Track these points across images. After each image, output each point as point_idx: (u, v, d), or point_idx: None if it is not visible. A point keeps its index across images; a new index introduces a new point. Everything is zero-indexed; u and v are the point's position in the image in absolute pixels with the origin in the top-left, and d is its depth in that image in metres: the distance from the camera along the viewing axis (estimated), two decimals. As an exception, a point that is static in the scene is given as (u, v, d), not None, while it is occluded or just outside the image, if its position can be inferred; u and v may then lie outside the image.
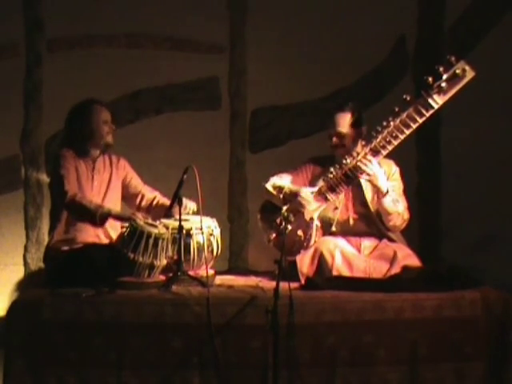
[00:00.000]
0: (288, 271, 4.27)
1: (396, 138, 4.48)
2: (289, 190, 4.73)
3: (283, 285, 3.95)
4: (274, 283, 3.94)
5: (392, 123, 4.48)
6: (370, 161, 4.54)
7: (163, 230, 4.42)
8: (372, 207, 4.72)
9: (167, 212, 4.60)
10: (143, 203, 4.82)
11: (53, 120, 5.44)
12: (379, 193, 4.62)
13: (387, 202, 4.61)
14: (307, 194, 4.67)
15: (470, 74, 4.39)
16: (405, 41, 5.75)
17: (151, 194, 4.85)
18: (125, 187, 4.82)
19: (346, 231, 4.73)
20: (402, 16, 5.68)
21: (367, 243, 4.71)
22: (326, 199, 4.68)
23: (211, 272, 4.51)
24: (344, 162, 4.61)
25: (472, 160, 5.61)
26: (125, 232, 4.41)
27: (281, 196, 4.72)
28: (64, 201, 4.50)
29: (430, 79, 4.40)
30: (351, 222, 4.76)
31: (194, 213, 4.60)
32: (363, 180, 4.65)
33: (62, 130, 4.85)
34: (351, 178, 4.60)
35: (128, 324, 4.06)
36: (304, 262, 4.56)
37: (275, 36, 5.65)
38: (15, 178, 5.60)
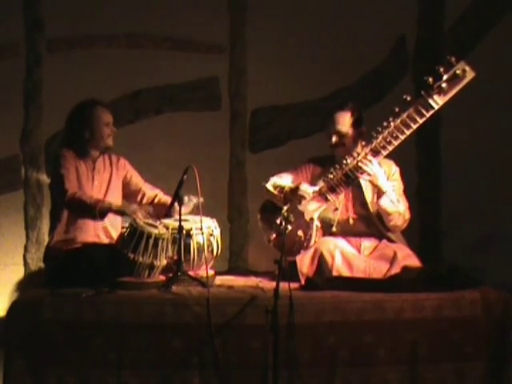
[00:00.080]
0: (288, 271, 4.27)
1: (396, 138, 4.48)
2: (289, 188, 4.73)
3: (283, 285, 3.95)
4: (274, 283, 3.94)
5: (392, 123, 4.48)
6: (370, 161, 4.54)
7: (163, 231, 4.42)
8: (372, 208, 4.72)
9: (167, 212, 4.60)
10: (144, 201, 4.83)
11: (53, 120, 5.45)
12: (380, 193, 4.62)
13: (388, 202, 4.61)
14: (307, 187, 4.67)
15: (470, 75, 4.39)
16: (405, 41, 5.75)
17: (152, 192, 4.85)
18: (125, 185, 4.83)
19: (345, 232, 4.73)
20: (402, 16, 5.68)
21: (367, 243, 4.71)
22: (327, 199, 4.68)
23: (211, 272, 4.51)
24: (344, 162, 4.61)
25: (472, 160, 5.61)
26: (125, 232, 4.41)
27: (281, 196, 4.72)
28: (64, 199, 4.50)
29: (430, 79, 4.40)
30: (351, 222, 4.76)
31: (195, 206, 4.58)
32: (363, 180, 4.65)
33: (63, 129, 4.85)
34: (351, 179, 4.60)
35: (128, 324, 4.05)
36: (304, 263, 4.56)
37: (275, 36, 5.66)
38: (15, 178, 5.61)
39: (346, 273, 4.48)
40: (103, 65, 5.59)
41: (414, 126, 4.47)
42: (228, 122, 5.72)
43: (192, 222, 4.59)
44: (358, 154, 4.59)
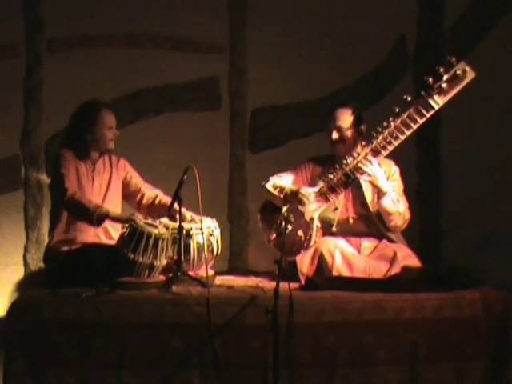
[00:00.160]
0: (288, 271, 4.27)
1: (396, 138, 4.48)
2: (289, 190, 4.73)
3: (283, 285, 3.95)
4: (274, 283, 3.94)
5: (392, 124, 4.48)
6: (370, 161, 4.54)
7: (163, 231, 4.42)
8: (372, 208, 4.72)
9: (167, 212, 4.60)
10: (144, 201, 4.83)
11: (53, 120, 5.46)
12: (380, 193, 4.62)
13: (388, 202, 4.61)
14: (307, 191, 4.67)
15: (470, 75, 4.39)
16: (405, 41, 5.75)
17: (152, 193, 4.85)
18: (125, 186, 4.83)
19: (345, 231, 4.73)
20: (402, 16, 5.68)
21: (367, 243, 4.71)
22: (327, 199, 4.68)
23: (211, 272, 4.51)
24: (344, 162, 4.61)
25: (472, 160, 5.60)
26: (125, 232, 4.41)
27: (281, 196, 4.72)
28: (64, 198, 4.50)
29: (431, 80, 4.40)
30: (351, 222, 4.77)
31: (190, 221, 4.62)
32: (363, 180, 4.65)
33: (65, 129, 4.85)
34: (351, 179, 4.60)
35: (128, 324, 4.05)
36: (304, 263, 4.56)
37: (275, 36, 5.66)
38: (15, 178, 5.60)
39: (346, 273, 4.48)
40: (103, 65, 5.59)
41: (414, 126, 4.47)
42: (228, 122, 5.72)
43: (193, 222, 4.61)
44: (358, 154, 4.59)
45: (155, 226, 4.42)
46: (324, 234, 4.72)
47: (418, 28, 5.74)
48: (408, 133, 4.48)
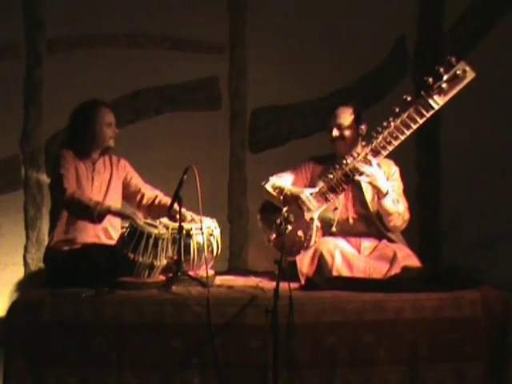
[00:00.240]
0: (288, 271, 4.26)
1: (396, 138, 4.48)
2: (289, 191, 4.73)
3: (283, 285, 3.95)
4: (274, 283, 3.94)
5: (392, 124, 4.48)
6: (370, 161, 4.54)
7: (163, 231, 4.42)
8: (371, 208, 4.72)
9: (167, 212, 4.60)
10: (144, 201, 4.83)
11: (53, 120, 5.46)
12: (379, 193, 4.62)
13: (387, 203, 4.61)
14: (308, 196, 4.68)
15: (470, 75, 4.39)
16: (405, 41, 5.75)
17: (152, 193, 4.85)
18: (125, 186, 4.83)
19: (345, 231, 4.73)
20: (402, 16, 5.68)
21: (367, 244, 4.71)
22: (326, 200, 4.68)
23: (211, 272, 4.51)
24: (344, 162, 4.61)
25: (472, 160, 5.60)
26: (125, 232, 4.42)
27: (281, 198, 4.72)
28: (63, 198, 4.50)
29: (431, 80, 4.40)
30: (351, 222, 4.77)
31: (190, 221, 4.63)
32: (362, 181, 4.64)
33: (65, 129, 4.85)
34: (351, 179, 4.60)
35: (128, 324, 4.06)
36: (304, 263, 4.56)
37: (275, 36, 5.66)
38: (15, 178, 5.60)
39: (345, 273, 4.48)
40: (103, 65, 5.59)
41: (414, 127, 4.47)
42: (228, 121, 5.72)
43: (193, 222, 4.61)
44: (358, 154, 4.59)
45: (155, 226, 4.43)
46: (324, 234, 4.72)
47: (417, 28, 5.74)
48: (408, 133, 4.47)
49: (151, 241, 4.34)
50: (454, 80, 4.39)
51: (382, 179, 4.61)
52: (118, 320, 4.05)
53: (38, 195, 5.59)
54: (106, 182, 4.73)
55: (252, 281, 4.68)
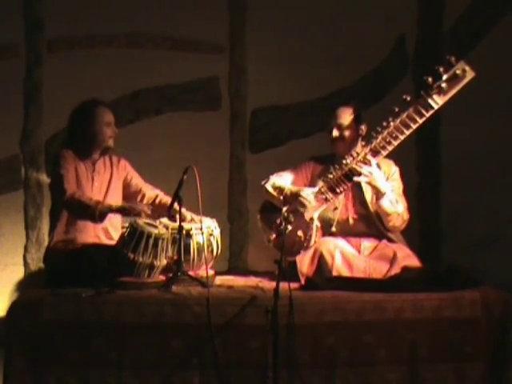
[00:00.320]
0: (288, 271, 4.26)
1: (396, 138, 4.48)
2: (289, 191, 4.73)
3: (283, 285, 3.95)
4: (274, 283, 3.94)
5: (392, 124, 4.48)
6: (369, 161, 4.54)
7: (163, 231, 4.42)
8: (371, 207, 4.72)
9: (167, 212, 4.60)
10: (144, 201, 4.83)
11: (53, 120, 5.46)
12: (378, 194, 4.62)
13: (386, 203, 4.61)
14: (308, 194, 4.68)
15: (470, 75, 4.39)
16: (405, 41, 5.75)
17: (153, 193, 4.86)
18: (125, 186, 4.83)
19: (345, 231, 4.73)
20: (402, 16, 5.68)
21: (367, 244, 4.71)
22: (326, 199, 4.68)
23: (211, 272, 4.51)
24: (344, 162, 4.61)
25: (472, 160, 5.61)
26: (125, 232, 4.42)
27: (281, 197, 4.72)
28: (63, 199, 4.50)
29: (430, 79, 4.40)
30: (351, 222, 4.76)
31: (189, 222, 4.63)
32: (361, 181, 4.64)
33: (65, 129, 4.85)
34: (351, 179, 4.60)
35: (128, 324, 4.05)
36: (304, 263, 4.56)
37: (275, 36, 5.66)
38: (15, 178, 5.60)
39: (345, 273, 4.48)
40: (103, 65, 5.59)
41: (414, 126, 4.46)
42: (228, 122, 5.72)
43: (192, 222, 4.61)
44: (358, 154, 4.59)
45: (155, 226, 4.43)
46: (324, 234, 4.72)
47: (417, 28, 5.74)
48: (407, 133, 4.47)
49: (151, 241, 4.34)
50: (454, 80, 4.39)
51: (381, 179, 4.61)
52: (118, 320, 4.05)
53: (38, 195, 5.59)
54: (106, 182, 4.73)
55: (252, 281, 4.68)
